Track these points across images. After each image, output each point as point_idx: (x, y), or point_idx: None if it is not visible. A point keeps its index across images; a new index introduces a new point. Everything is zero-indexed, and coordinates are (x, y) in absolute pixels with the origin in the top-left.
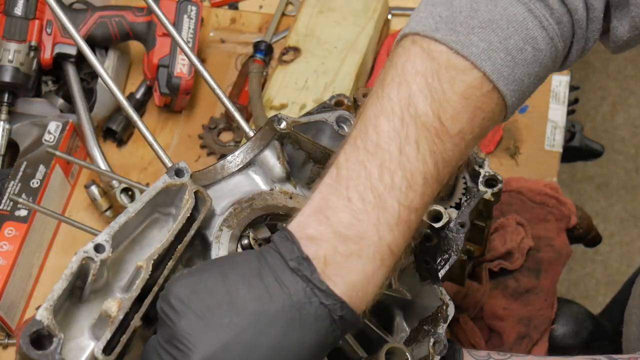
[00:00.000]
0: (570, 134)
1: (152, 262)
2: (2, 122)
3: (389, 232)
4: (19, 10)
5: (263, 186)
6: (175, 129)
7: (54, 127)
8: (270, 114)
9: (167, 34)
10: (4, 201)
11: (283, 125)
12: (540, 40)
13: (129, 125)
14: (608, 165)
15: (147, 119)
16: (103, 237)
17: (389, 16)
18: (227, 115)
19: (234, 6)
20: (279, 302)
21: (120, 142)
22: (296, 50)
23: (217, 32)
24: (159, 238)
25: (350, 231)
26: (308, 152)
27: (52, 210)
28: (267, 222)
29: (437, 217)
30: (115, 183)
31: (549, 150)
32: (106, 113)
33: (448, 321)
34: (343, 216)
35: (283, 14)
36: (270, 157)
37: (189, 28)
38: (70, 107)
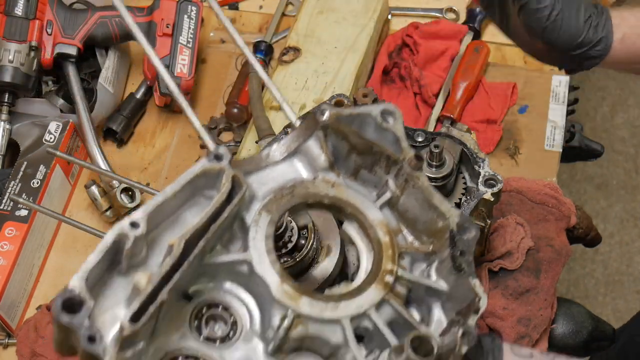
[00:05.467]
0: (570, 134)
1: (184, 240)
2: (2, 122)
3: None
4: (19, 11)
5: (306, 174)
6: (175, 129)
7: (54, 127)
8: (270, 114)
9: (168, 34)
10: (4, 201)
11: (325, 116)
12: None
13: (129, 125)
14: (608, 165)
15: (147, 119)
16: (138, 215)
17: (389, 16)
18: (227, 115)
19: (234, 6)
20: None
21: (121, 142)
22: (296, 50)
23: (217, 32)
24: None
25: None
26: (351, 144)
27: (52, 210)
28: (308, 209)
29: None
30: (115, 183)
31: (549, 150)
32: (106, 113)
33: (479, 313)
34: None
35: (283, 14)
36: (314, 147)
37: (189, 28)
38: (71, 107)
